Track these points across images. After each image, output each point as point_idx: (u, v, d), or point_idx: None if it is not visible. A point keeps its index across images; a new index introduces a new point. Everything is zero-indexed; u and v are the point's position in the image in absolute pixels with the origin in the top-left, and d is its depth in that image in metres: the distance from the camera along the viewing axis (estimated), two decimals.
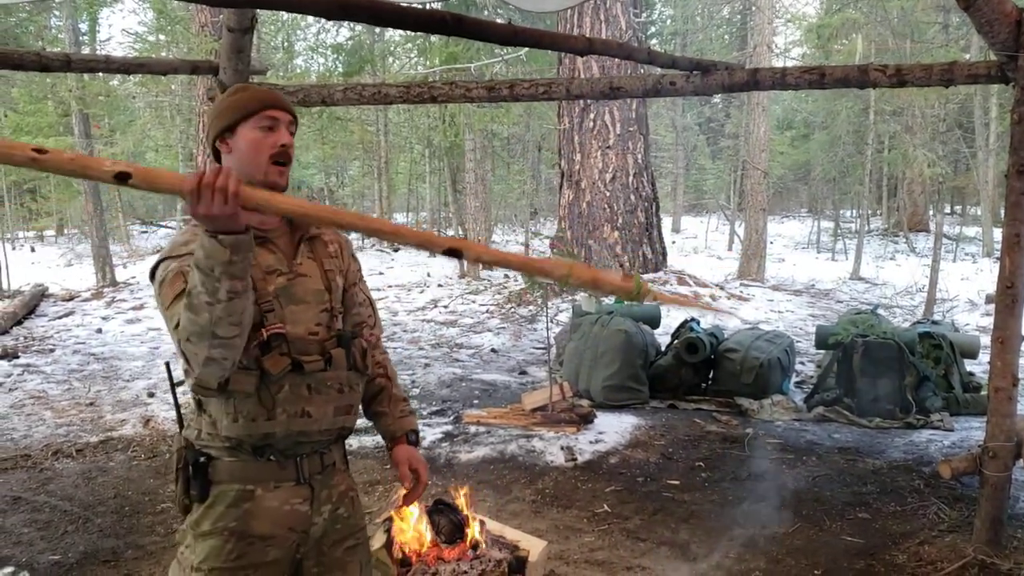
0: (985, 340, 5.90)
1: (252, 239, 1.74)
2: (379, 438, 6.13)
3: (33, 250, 24.48)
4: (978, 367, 7.86)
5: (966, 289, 14.35)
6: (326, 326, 2.12)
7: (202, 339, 1.78)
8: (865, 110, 19.67)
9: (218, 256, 1.69)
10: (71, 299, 13.31)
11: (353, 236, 25.08)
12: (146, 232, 26.24)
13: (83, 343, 10.06)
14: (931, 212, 24.29)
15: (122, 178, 1.54)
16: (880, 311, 9.01)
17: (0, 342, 9.86)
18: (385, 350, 2.48)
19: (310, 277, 2.11)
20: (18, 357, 9.01)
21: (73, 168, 1.57)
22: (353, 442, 5.77)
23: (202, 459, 2.05)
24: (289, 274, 2.07)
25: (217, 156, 2.09)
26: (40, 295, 12.99)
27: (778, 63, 20.01)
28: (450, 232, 22.11)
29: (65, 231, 27.60)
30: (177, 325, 1.84)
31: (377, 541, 3.43)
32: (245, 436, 2.01)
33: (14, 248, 24.05)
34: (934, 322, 8.86)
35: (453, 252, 1.70)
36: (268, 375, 1.98)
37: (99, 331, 10.90)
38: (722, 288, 13.69)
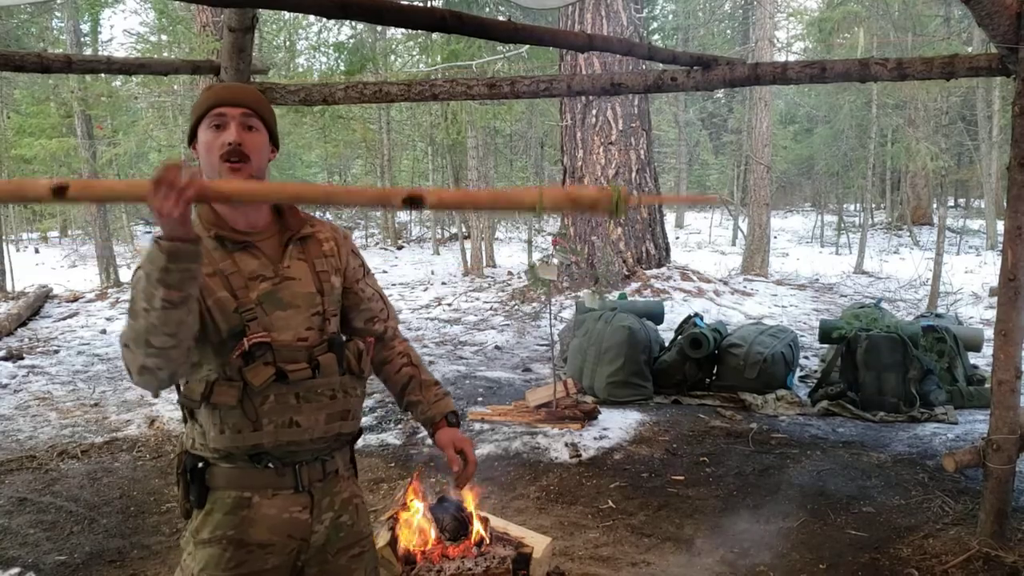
0: (989, 333, 5.88)
1: (197, 250, 1.71)
2: (384, 436, 6.17)
3: (37, 251, 24.57)
4: (982, 360, 7.85)
5: (970, 282, 14.33)
6: (318, 330, 2.05)
7: (137, 346, 1.77)
8: (868, 104, 19.64)
9: (156, 262, 1.67)
10: (75, 300, 13.33)
11: (356, 234, 25.08)
12: (150, 232, 26.27)
13: (87, 344, 10.08)
14: (934, 205, 24.26)
15: (59, 192, 1.52)
16: (884, 305, 9.00)
17: (5, 344, 9.88)
18: (405, 338, 2.41)
19: (299, 280, 2.05)
20: (23, 358, 9.03)
21: (11, 192, 1.56)
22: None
23: (199, 464, 2.02)
24: (275, 278, 2.01)
25: None
26: (44, 296, 13.02)
27: (780, 58, 19.95)
28: (453, 229, 22.15)
29: (69, 232, 27.69)
30: None
31: (381, 539, 3.44)
32: (233, 448, 1.98)
33: (18, 249, 24.14)
34: (938, 315, 8.85)
35: (413, 201, 1.64)
36: (251, 387, 1.94)
37: (103, 332, 10.92)
38: (726, 283, 13.69)
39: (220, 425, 1.96)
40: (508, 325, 11.26)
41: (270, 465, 2.01)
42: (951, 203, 28.23)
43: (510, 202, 1.71)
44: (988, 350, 8.17)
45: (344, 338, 2.15)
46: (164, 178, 1.59)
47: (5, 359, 8.89)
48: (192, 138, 2.04)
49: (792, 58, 25.21)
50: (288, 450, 2.01)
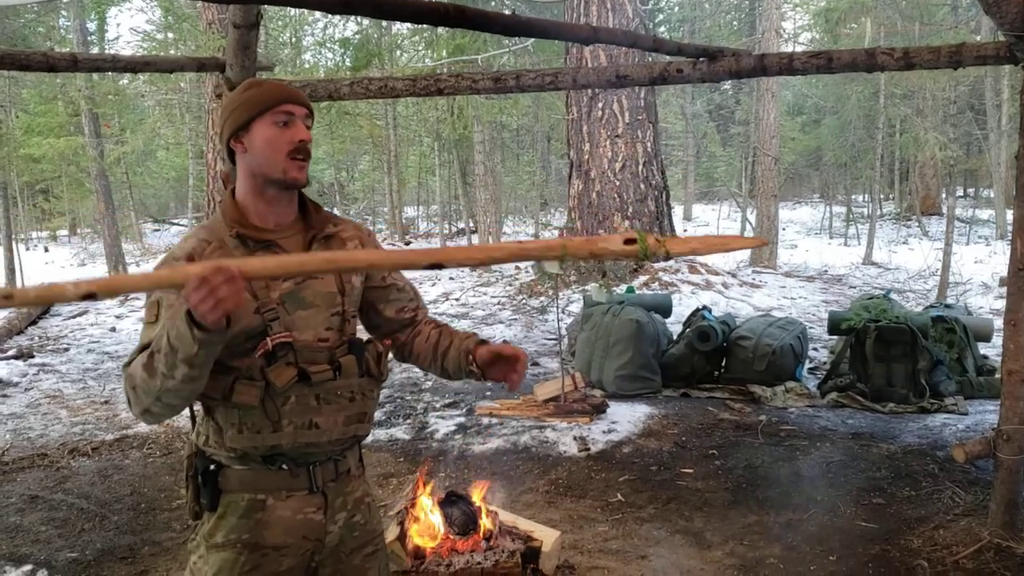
0: (999, 323, 5.85)
1: (224, 337, 1.72)
2: (392, 431, 6.19)
3: (47, 250, 24.65)
4: (992, 350, 7.82)
5: (979, 272, 14.26)
6: (337, 331, 2.04)
7: (147, 395, 1.80)
8: (875, 94, 19.53)
9: (185, 345, 1.68)
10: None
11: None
12: (158, 230, 26.37)
13: (97, 342, 10.12)
14: (943, 195, 24.13)
15: (89, 297, 1.54)
16: (893, 295, 8.97)
17: (15, 342, 9.92)
18: (433, 319, 2.36)
19: (321, 279, 2.02)
20: (33, 357, 9.07)
21: (41, 299, 1.57)
22: None
23: (212, 467, 2.00)
24: (297, 278, 1.98)
25: (232, 156, 2.02)
26: None
27: (787, 48, 19.89)
28: (460, 224, 22.14)
29: (78, 231, 27.81)
30: (140, 345, 1.87)
31: (391, 533, 3.44)
32: (250, 448, 1.96)
33: (28, 248, 24.22)
34: (947, 306, 8.81)
35: (435, 266, 1.71)
36: (273, 387, 1.92)
37: (113, 330, 10.96)
38: (734, 275, 13.66)
39: (239, 425, 1.94)
40: (516, 319, 11.26)
41: (284, 467, 2.00)
42: (960, 193, 28.07)
43: (532, 255, 1.75)
44: (998, 340, 8.12)
45: (364, 340, 2.12)
46: (209, 280, 1.58)
47: (16, 357, 8.92)
48: (238, 131, 1.97)
49: (799, 48, 25.14)
50: (304, 451, 2.00)
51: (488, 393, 7.30)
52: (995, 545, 4.01)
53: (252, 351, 1.91)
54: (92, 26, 20.64)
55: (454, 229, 25.34)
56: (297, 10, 21.96)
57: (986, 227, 21.49)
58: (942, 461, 5.29)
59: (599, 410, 6.44)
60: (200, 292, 1.58)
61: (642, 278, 12.22)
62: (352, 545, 2.12)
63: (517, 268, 16.17)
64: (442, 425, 6.31)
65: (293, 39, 22.83)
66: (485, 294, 13.54)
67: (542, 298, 12.26)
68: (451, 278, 15.66)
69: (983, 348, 7.70)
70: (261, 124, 1.95)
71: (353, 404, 2.04)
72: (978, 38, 16.53)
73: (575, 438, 5.89)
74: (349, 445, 2.11)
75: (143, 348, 1.85)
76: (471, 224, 20.85)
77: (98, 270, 17.67)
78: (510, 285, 14.01)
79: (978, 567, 3.87)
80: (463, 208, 21.61)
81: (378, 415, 6.48)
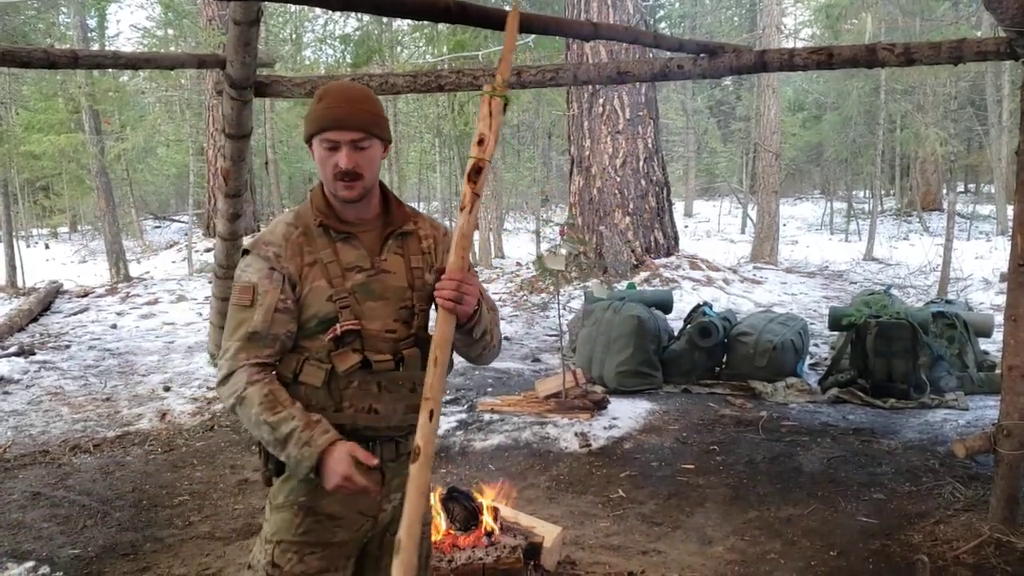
0: (999, 319, 5.86)
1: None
2: None
3: (47, 247, 24.65)
4: (992, 346, 7.82)
5: (980, 268, 14.26)
6: (404, 323, 2.13)
7: (242, 419, 2.03)
8: (876, 90, 19.53)
9: (296, 471, 2.00)
10: (86, 295, 13.38)
11: None
12: (159, 227, 26.36)
13: (98, 339, 10.12)
14: (944, 191, 24.14)
15: None
16: (893, 291, 8.98)
17: (16, 339, 9.93)
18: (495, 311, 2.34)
19: (393, 274, 2.13)
20: (35, 354, 9.08)
21: None
22: None
23: None
24: (371, 270, 2.10)
25: None
26: (55, 292, 13.07)
27: (788, 44, 19.87)
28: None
29: (79, 227, 27.78)
30: (233, 332, 2.05)
31: None
32: None
33: (28, 245, 24.22)
34: (948, 301, 8.82)
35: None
36: (336, 370, 2.05)
37: (114, 327, 10.97)
38: (735, 271, 13.66)
39: (305, 402, 2.04)
40: (517, 316, 11.27)
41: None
42: (961, 188, 28.08)
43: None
44: (998, 336, 8.12)
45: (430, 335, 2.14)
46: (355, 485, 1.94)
47: (17, 354, 8.93)
48: (309, 142, 2.11)
49: (799, 44, 25.12)
50: (365, 433, 2.10)
51: (489, 389, 7.32)
52: (995, 540, 4.02)
53: (323, 335, 2.05)
54: (92, 23, 20.65)
55: (455, 225, 25.31)
56: (297, 6, 21.97)
57: (987, 223, 21.50)
58: (942, 456, 5.30)
59: (600, 406, 6.45)
60: (352, 487, 1.93)
61: (643, 274, 12.23)
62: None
63: (518, 264, 16.19)
64: (443, 421, 6.31)
65: (293, 35, 22.81)
66: (487, 290, 13.54)
67: (543, 294, 12.27)
68: None
69: (984, 344, 7.71)
70: (316, 143, 2.07)
71: (414, 395, 2.09)
72: (978, 34, 16.51)
73: (576, 434, 5.90)
74: (411, 431, 2.08)
75: (250, 336, 2.02)
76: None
77: (99, 267, 17.66)
78: (511, 282, 14.02)
79: (978, 562, 3.87)
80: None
81: None
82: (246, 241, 2.16)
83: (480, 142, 2.00)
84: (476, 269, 2.33)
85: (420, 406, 2.01)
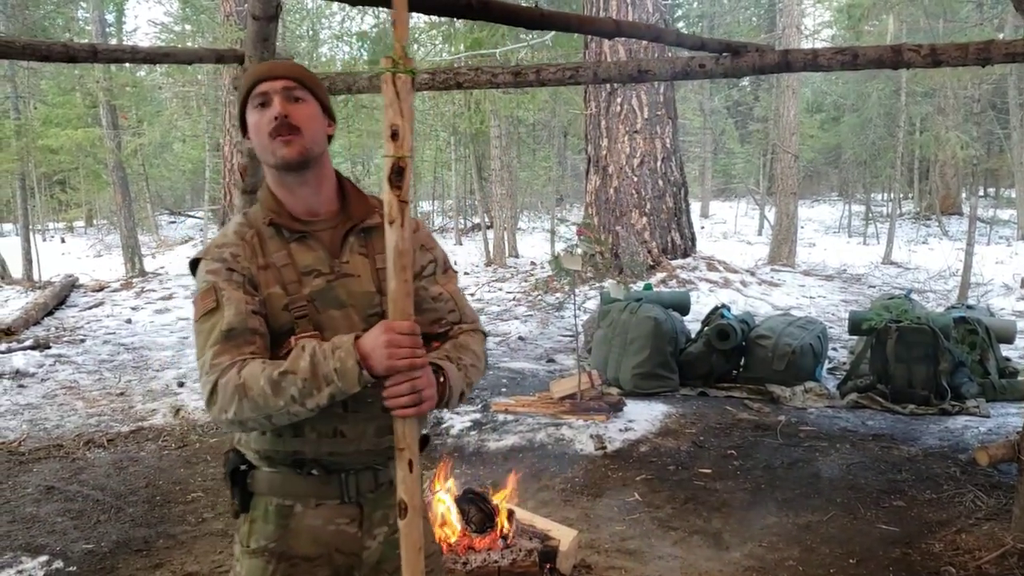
0: (1021, 325, 5.78)
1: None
2: None
3: (63, 241, 24.79)
4: (1014, 352, 7.74)
5: (1001, 273, 14.13)
6: None
7: (257, 409, 1.69)
8: (896, 92, 19.38)
9: (348, 384, 1.66)
10: (101, 290, 13.42)
11: None
12: (174, 222, 26.46)
13: (113, 333, 10.14)
14: (964, 195, 23.96)
15: None
16: (913, 296, 8.89)
17: (32, 333, 9.96)
18: (472, 337, 2.05)
19: (357, 277, 1.87)
20: (50, 348, 9.10)
21: None
22: None
23: (243, 467, 1.91)
24: (330, 275, 1.85)
25: None
26: (70, 286, 13.12)
27: (807, 45, 19.74)
28: (475, 219, 22.10)
29: (94, 222, 27.93)
30: (205, 343, 1.77)
31: None
32: (272, 451, 1.86)
33: (44, 239, 24.37)
34: (969, 307, 8.71)
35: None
36: None
37: (129, 321, 10.99)
38: (753, 273, 13.57)
39: None
40: (531, 316, 11.22)
41: (313, 472, 1.87)
42: (981, 192, 27.86)
43: None
44: (1021, 342, 8.06)
45: None
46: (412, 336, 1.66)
47: (32, 348, 8.95)
48: (244, 126, 1.90)
49: (820, 45, 24.96)
50: (332, 459, 1.87)
51: (503, 390, 7.27)
52: (1019, 550, 3.95)
53: (278, 349, 1.78)
54: (110, 18, 20.72)
55: (469, 224, 25.32)
56: (314, 3, 21.99)
57: (1007, 227, 21.31)
58: (964, 464, 5.23)
59: (616, 408, 6.40)
60: (406, 339, 1.64)
61: (659, 275, 12.16)
62: (396, 563, 1.84)
63: (533, 264, 16.15)
64: (457, 421, 6.27)
65: (310, 32, 22.83)
66: (500, 289, 13.51)
67: (558, 294, 12.22)
68: (466, 273, 15.65)
69: (1006, 350, 7.62)
70: (249, 114, 1.86)
71: (386, 414, 1.76)
72: (1001, 36, 16.36)
73: (591, 436, 5.85)
74: (391, 455, 1.84)
75: (226, 335, 1.74)
76: (486, 219, 20.81)
77: (114, 261, 17.72)
78: (525, 281, 13.98)
79: (1001, 572, 3.81)
80: (478, 203, 21.56)
81: None
82: (195, 253, 1.92)
83: (394, 135, 1.63)
84: (455, 269, 2.01)
85: (392, 429, 1.73)
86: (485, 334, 2.10)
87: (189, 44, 20.89)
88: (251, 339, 1.76)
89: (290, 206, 1.89)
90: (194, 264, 1.89)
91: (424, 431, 1.94)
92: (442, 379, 1.80)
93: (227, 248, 1.83)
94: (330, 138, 1.93)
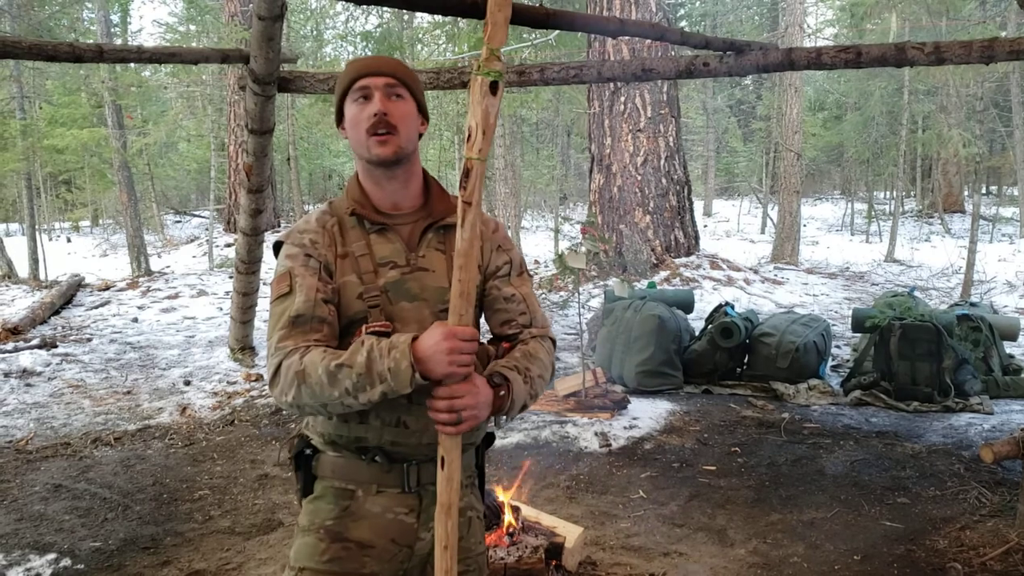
0: None
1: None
2: None
3: (69, 240, 24.83)
4: (1018, 349, 7.74)
5: (1004, 270, 14.14)
6: None
7: (314, 397, 1.73)
8: (899, 90, 19.39)
9: (399, 385, 1.68)
10: (107, 289, 13.45)
11: None
12: (180, 221, 26.49)
13: (119, 332, 10.17)
14: (966, 192, 23.94)
15: None
16: (916, 293, 8.90)
17: (39, 332, 9.99)
18: (542, 345, 2.03)
19: (432, 272, 1.91)
20: (56, 347, 9.12)
21: None
22: None
23: (307, 451, 1.95)
24: (405, 267, 1.89)
25: None
26: (77, 285, 13.14)
27: (810, 43, 19.73)
28: None
29: (100, 221, 27.97)
30: (275, 325, 1.83)
31: None
32: (337, 436, 1.90)
33: (51, 239, 24.41)
34: (972, 304, 8.72)
35: None
36: None
37: (135, 320, 11.01)
38: (756, 271, 13.58)
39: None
40: None
41: (376, 459, 1.89)
42: (984, 190, 27.83)
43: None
44: None
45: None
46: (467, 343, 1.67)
47: (39, 347, 8.98)
48: (340, 118, 1.96)
49: (822, 44, 24.93)
50: (395, 448, 1.90)
51: None
52: (1023, 547, 3.97)
53: (351, 337, 1.82)
54: (115, 18, 20.76)
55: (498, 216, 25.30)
56: (318, 2, 22.02)
57: (1010, 225, 21.31)
58: (968, 461, 5.24)
59: (620, 406, 6.42)
60: (465, 345, 1.66)
61: (663, 273, 12.18)
62: None
63: (537, 263, 16.17)
64: None
65: (314, 32, 22.86)
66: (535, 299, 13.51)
67: (563, 293, 12.24)
68: None
69: (1009, 347, 7.63)
70: (348, 106, 1.91)
71: None
72: (1004, 34, 16.35)
73: (596, 434, 5.87)
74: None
75: (294, 321, 1.80)
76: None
77: (120, 261, 17.76)
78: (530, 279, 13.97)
79: (1006, 569, 3.82)
80: (482, 202, 21.57)
81: None
82: (277, 236, 1.98)
83: (468, 136, 1.68)
84: (530, 273, 2.00)
85: None
86: (554, 340, 2.10)
87: (193, 44, 20.94)
88: (318, 327, 1.81)
89: (376, 199, 1.94)
90: (277, 246, 1.95)
91: (489, 429, 2.02)
92: (503, 392, 1.82)
93: (307, 234, 1.89)
94: (420, 135, 1.97)
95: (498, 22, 1.66)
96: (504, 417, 1.87)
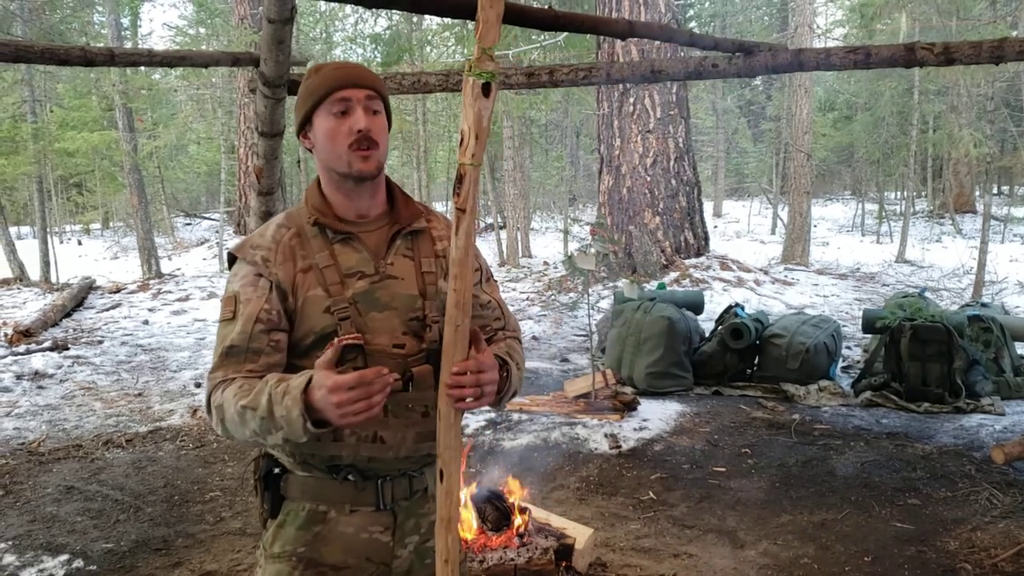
0: None
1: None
2: None
3: (80, 243, 24.96)
4: None
5: (1015, 271, 14.06)
6: (414, 336, 1.83)
7: (235, 432, 1.72)
8: (909, 90, 19.31)
9: (293, 432, 1.61)
10: (118, 291, 13.51)
11: None
12: (190, 224, 26.57)
13: (130, 335, 10.21)
14: (978, 192, 23.83)
15: None
16: (927, 294, 8.86)
17: (50, 334, 10.04)
18: (517, 343, 2.05)
19: (401, 280, 1.84)
20: (68, 349, 9.17)
21: None
22: None
23: (275, 470, 1.88)
24: (374, 276, 1.82)
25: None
26: (88, 287, 13.21)
27: (819, 44, 19.67)
28: (489, 220, 22.14)
29: (111, 224, 28.11)
30: (215, 352, 1.80)
31: None
32: (309, 455, 1.82)
33: (62, 241, 24.54)
34: (983, 305, 8.68)
35: None
36: None
37: (146, 323, 11.06)
38: (766, 272, 13.55)
39: None
40: (545, 315, 11.24)
41: (349, 478, 1.84)
42: (995, 190, 27.71)
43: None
44: None
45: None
46: (372, 386, 1.56)
47: (51, 349, 9.03)
48: (303, 126, 1.87)
49: (831, 44, 24.86)
50: (370, 465, 1.84)
51: None
52: None
53: (320, 352, 1.69)
54: (126, 22, 20.83)
55: (482, 224, 25.34)
56: (327, 5, 22.07)
57: (1021, 225, 21.20)
58: (979, 462, 5.22)
59: (630, 407, 6.41)
60: (355, 394, 1.55)
61: (673, 274, 12.16)
62: (425, 573, 1.90)
63: (546, 264, 16.17)
64: (471, 420, 6.30)
65: (324, 35, 22.93)
66: (514, 289, 13.53)
67: (572, 294, 12.24)
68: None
69: (1021, 348, 7.59)
70: (320, 116, 1.82)
71: (426, 420, 1.81)
72: (1014, 33, 16.27)
73: (606, 435, 5.87)
74: (427, 463, 1.91)
75: (227, 352, 1.76)
76: (499, 219, 20.84)
77: (131, 263, 17.84)
78: (539, 281, 13.99)
79: (1018, 570, 3.81)
80: (491, 203, 21.61)
81: None
82: (230, 246, 1.91)
83: (461, 141, 1.60)
84: (494, 280, 2.10)
85: (434, 434, 1.74)
86: (521, 343, 2.10)
87: (203, 47, 21.01)
88: (252, 357, 1.75)
89: (339, 208, 1.87)
90: (231, 259, 1.89)
91: (490, 411, 1.99)
92: (505, 374, 1.83)
93: (260, 251, 1.82)
94: None
95: (490, 20, 1.59)
96: (499, 403, 1.85)
